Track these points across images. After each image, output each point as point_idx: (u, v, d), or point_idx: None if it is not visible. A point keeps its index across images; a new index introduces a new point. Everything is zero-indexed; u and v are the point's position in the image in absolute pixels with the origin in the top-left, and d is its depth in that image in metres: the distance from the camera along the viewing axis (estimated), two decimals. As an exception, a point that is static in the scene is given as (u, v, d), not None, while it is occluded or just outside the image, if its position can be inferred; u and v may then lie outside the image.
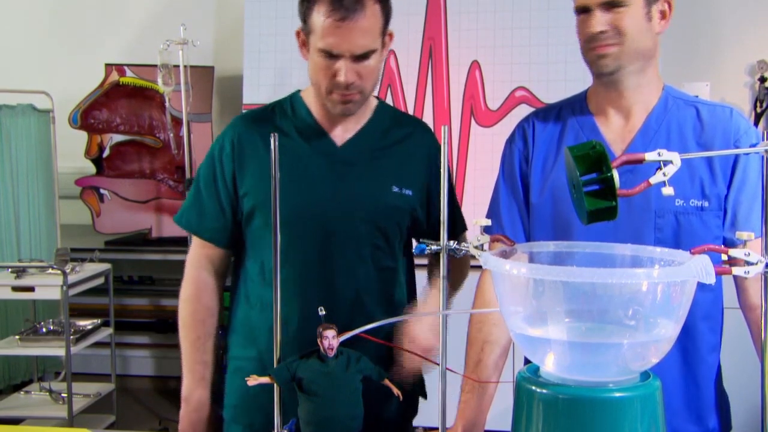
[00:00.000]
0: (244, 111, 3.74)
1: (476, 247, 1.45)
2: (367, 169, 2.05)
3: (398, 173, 2.08)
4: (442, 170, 1.50)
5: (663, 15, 1.83)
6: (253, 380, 1.52)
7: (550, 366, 1.33)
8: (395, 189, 2.05)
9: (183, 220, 2.13)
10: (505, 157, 2.00)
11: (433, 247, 1.50)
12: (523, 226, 1.95)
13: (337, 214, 2.01)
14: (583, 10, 1.81)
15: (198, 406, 2.09)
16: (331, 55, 1.89)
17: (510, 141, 2.00)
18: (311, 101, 2.08)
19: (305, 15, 1.93)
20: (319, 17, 1.87)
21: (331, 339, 1.48)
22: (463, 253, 1.49)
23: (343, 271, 2.01)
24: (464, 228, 2.22)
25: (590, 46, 1.81)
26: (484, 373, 1.84)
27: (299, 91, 2.13)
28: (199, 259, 2.13)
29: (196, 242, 2.14)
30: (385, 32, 1.96)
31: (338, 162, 2.04)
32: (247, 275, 2.09)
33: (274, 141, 1.45)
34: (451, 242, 1.49)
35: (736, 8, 4.84)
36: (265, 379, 1.52)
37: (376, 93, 2.10)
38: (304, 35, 1.96)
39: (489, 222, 1.49)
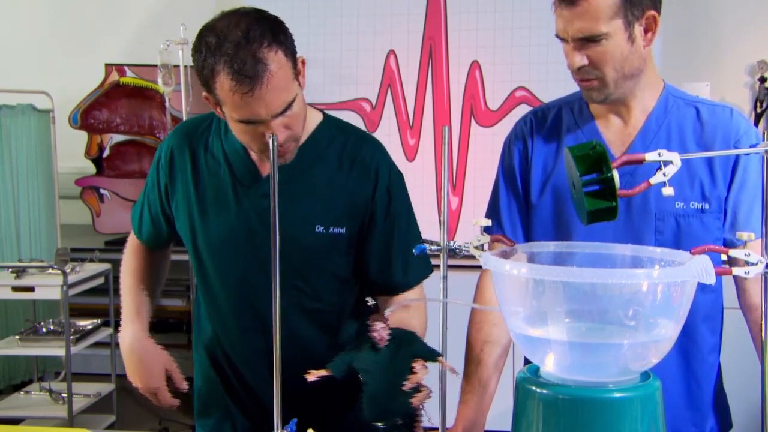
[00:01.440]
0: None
1: (476, 248, 1.44)
2: (288, 206, 1.80)
3: (328, 209, 1.89)
4: (443, 171, 1.49)
5: (648, 29, 1.75)
6: (312, 375, 1.53)
7: (550, 366, 1.33)
8: (319, 229, 1.88)
9: (132, 218, 2.15)
10: (504, 156, 1.99)
11: (434, 248, 1.50)
12: (522, 226, 1.94)
13: (256, 250, 1.88)
14: (562, 40, 1.77)
15: (135, 335, 2.03)
16: (250, 123, 1.73)
17: (509, 140, 1.99)
18: None
19: (207, 86, 1.74)
20: (225, 92, 1.69)
21: (381, 330, 1.51)
22: (464, 253, 1.48)
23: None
24: (406, 284, 1.98)
25: (575, 77, 1.78)
26: (485, 374, 1.84)
27: None
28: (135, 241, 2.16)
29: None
30: (296, 70, 1.77)
31: (258, 195, 1.89)
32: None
33: (272, 142, 1.41)
34: (452, 242, 1.49)
35: (736, 8, 4.82)
36: (323, 373, 1.54)
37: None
38: (213, 102, 1.78)
39: (489, 222, 1.49)
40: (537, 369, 1.37)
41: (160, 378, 2.00)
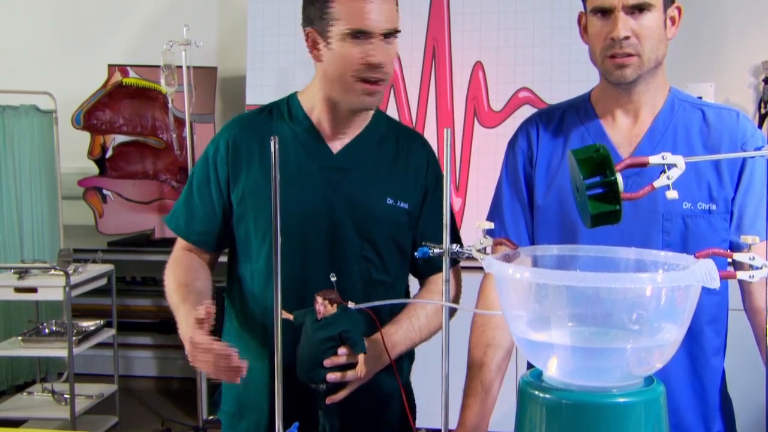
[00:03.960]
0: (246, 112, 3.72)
1: (479, 251, 1.44)
2: (361, 179, 1.99)
3: (394, 185, 2.02)
4: (445, 173, 1.49)
5: (673, 21, 1.80)
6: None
7: (553, 371, 1.32)
8: (389, 201, 2.00)
9: (172, 222, 2.08)
10: (508, 158, 1.98)
11: (436, 251, 1.50)
12: (526, 228, 1.93)
13: (328, 222, 1.96)
14: (603, 12, 1.75)
15: (202, 347, 1.76)
16: (361, 37, 1.84)
17: (513, 142, 1.98)
18: (309, 105, 2.02)
19: (322, 9, 1.87)
20: (343, 2, 1.84)
21: (318, 305, 1.71)
22: (466, 256, 1.48)
23: (327, 281, 1.77)
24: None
25: (608, 54, 1.76)
26: (487, 377, 1.83)
27: (296, 93, 2.07)
28: (180, 252, 2.08)
29: (179, 244, 2.09)
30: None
31: (333, 169, 1.99)
32: (238, 280, 2.05)
33: (274, 144, 1.43)
34: (454, 245, 1.49)
35: (740, 9, 4.82)
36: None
37: None
38: (317, 33, 1.90)
39: (491, 225, 1.48)
40: (540, 373, 1.36)
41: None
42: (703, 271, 1.22)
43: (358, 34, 1.84)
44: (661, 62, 1.81)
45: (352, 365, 1.77)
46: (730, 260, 1.35)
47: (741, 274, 1.30)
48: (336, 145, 2.01)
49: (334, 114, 1.99)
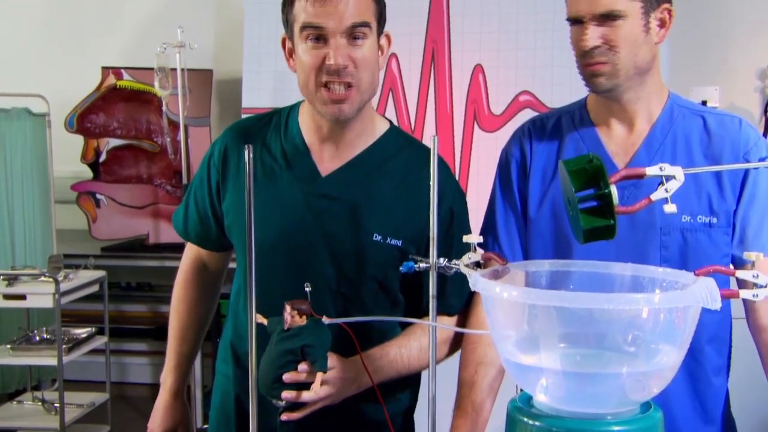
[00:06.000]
0: (243, 115, 3.67)
1: (467, 266, 1.38)
2: (346, 209, 1.80)
3: (387, 219, 1.81)
4: (432, 183, 1.45)
5: (662, 23, 1.72)
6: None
7: (543, 396, 1.26)
8: (376, 238, 1.80)
9: (174, 221, 2.10)
10: (502, 167, 1.91)
11: (422, 265, 1.45)
12: (520, 242, 1.87)
13: (307, 252, 1.82)
14: (575, 21, 1.72)
15: (169, 390, 2.11)
16: (318, 39, 1.70)
17: (506, 150, 1.91)
18: (305, 118, 1.89)
19: (287, 11, 1.76)
20: (301, 4, 1.71)
21: (286, 314, 1.58)
22: (454, 271, 1.42)
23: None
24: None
25: (583, 62, 1.72)
26: (478, 397, 1.77)
27: (302, 102, 1.94)
28: (191, 255, 2.11)
29: (187, 248, 2.13)
30: (380, 19, 1.77)
31: (317, 195, 1.83)
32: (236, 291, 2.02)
33: (248, 153, 1.34)
34: (441, 260, 1.43)
35: (746, 11, 4.77)
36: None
37: (373, 101, 1.92)
38: (289, 39, 1.79)
39: (479, 239, 1.41)
40: (529, 398, 1.30)
41: None
42: (703, 291, 1.17)
43: (316, 35, 1.71)
44: (649, 68, 1.73)
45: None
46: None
47: (744, 293, 1.25)
48: (327, 167, 1.85)
49: (320, 130, 1.85)
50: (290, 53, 1.81)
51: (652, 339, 1.23)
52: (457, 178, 4.26)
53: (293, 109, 1.94)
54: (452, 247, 1.80)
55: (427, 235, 1.76)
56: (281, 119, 1.92)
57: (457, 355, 1.85)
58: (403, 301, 1.90)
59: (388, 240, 1.81)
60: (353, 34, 1.71)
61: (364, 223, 1.81)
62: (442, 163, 1.88)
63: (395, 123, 1.96)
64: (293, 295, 1.74)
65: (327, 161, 1.85)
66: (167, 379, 2.11)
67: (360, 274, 1.82)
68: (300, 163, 1.86)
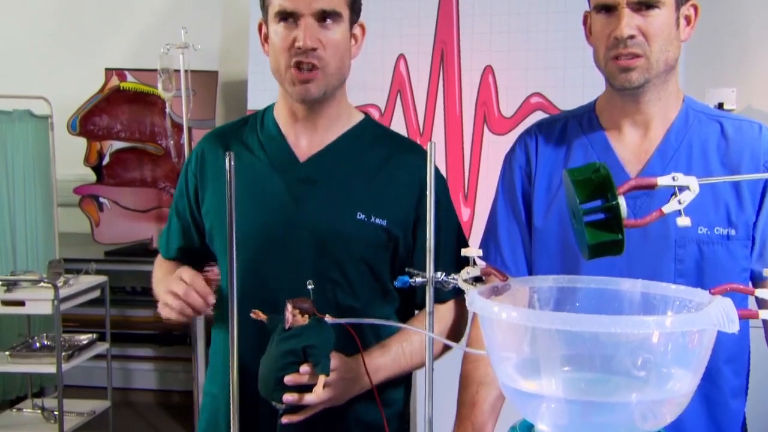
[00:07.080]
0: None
1: (465, 281, 1.28)
2: (327, 191, 1.82)
3: (369, 198, 1.82)
4: (428, 192, 1.37)
5: (688, 21, 1.62)
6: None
7: (545, 425, 1.16)
8: (360, 216, 1.80)
9: (159, 240, 2.09)
10: (505, 174, 1.81)
11: (418, 280, 1.37)
12: (524, 253, 1.77)
13: (292, 240, 1.81)
14: (606, 9, 1.59)
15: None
16: (288, 20, 1.74)
17: (510, 157, 1.81)
18: (280, 109, 1.91)
19: (263, 4, 1.82)
20: None
21: (288, 313, 1.53)
22: (452, 286, 1.34)
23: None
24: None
25: (612, 55, 1.59)
26: (480, 418, 1.68)
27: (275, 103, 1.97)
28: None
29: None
30: (353, 7, 1.81)
31: (297, 180, 1.84)
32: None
33: (229, 160, 1.30)
34: (438, 274, 1.35)
35: (762, 11, 4.67)
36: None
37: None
38: (265, 24, 1.84)
39: (479, 252, 1.32)
40: (530, 426, 1.21)
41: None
42: (719, 313, 1.07)
43: (287, 17, 1.74)
44: (674, 66, 1.62)
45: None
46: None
47: (764, 314, 1.13)
48: (305, 153, 1.87)
49: (294, 115, 1.87)
50: (266, 38, 1.85)
51: (664, 363, 1.13)
52: (465, 182, 4.22)
53: (269, 107, 1.97)
54: (440, 234, 1.76)
55: (412, 218, 1.85)
56: (257, 118, 1.96)
57: (455, 361, 1.77)
58: (394, 291, 1.88)
59: (373, 219, 1.81)
60: (323, 17, 1.75)
61: (346, 203, 1.82)
62: (423, 154, 1.87)
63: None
64: (282, 287, 1.74)
65: (304, 147, 1.87)
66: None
67: (348, 256, 1.81)
68: (277, 152, 1.88)
